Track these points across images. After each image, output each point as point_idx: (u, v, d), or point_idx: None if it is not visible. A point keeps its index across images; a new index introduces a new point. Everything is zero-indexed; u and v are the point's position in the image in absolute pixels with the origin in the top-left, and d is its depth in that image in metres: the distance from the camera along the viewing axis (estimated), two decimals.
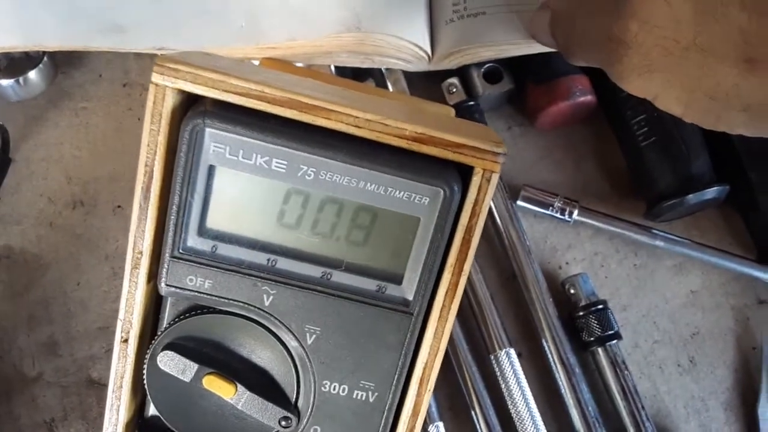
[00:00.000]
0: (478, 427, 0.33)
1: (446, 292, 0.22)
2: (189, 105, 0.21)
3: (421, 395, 0.23)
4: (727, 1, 0.21)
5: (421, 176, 0.21)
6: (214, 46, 0.34)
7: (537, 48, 0.34)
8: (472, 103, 0.37)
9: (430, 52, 0.36)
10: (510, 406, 0.33)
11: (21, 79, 0.36)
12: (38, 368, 0.33)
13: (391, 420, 0.24)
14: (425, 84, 0.38)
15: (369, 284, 0.22)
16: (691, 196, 0.34)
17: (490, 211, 0.36)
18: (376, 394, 0.23)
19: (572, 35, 0.29)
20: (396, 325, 0.22)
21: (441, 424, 0.32)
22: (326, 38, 0.34)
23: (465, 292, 0.35)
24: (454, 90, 0.38)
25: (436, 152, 0.21)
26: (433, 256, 0.22)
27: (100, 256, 0.35)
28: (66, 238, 0.35)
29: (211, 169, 0.21)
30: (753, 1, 0.20)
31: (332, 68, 0.38)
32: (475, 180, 0.21)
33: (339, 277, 0.22)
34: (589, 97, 0.36)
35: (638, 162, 0.36)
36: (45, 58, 0.37)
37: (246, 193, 0.22)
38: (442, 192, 0.21)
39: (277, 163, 0.21)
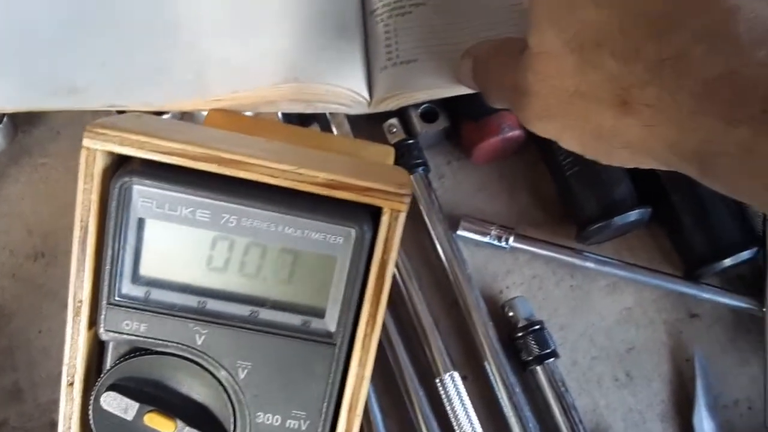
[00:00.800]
0: None
1: (366, 322, 0.24)
2: (119, 164, 0.23)
3: (351, 421, 0.25)
4: (602, 51, 0.23)
5: (334, 219, 0.23)
6: (163, 101, 0.37)
7: (465, 90, 0.37)
8: (411, 141, 0.40)
9: (368, 97, 0.38)
10: (456, 428, 0.34)
11: None
12: (3, 414, 0.35)
13: None
14: (367, 125, 0.41)
15: (294, 319, 0.24)
16: (614, 219, 0.36)
17: (432, 241, 0.39)
18: (308, 422, 0.25)
19: (488, 82, 0.32)
20: (321, 356, 0.24)
21: None
22: (267, 89, 0.36)
23: (410, 319, 0.37)
24: (395, 130, 0.40)
25: (347, 196, 0.23)
26: (351, 290, 0.24)
27: (60, 304, 0.37)
28: (28, 289, 0.37)
29: (140, 222, 0.23)
30: (621, 50, 0.23)
31: (279, 115, 0.40)
32: (384, 219, 0.23)
33: (266, 314, 0.24)
34: (517, 132, 0.38)
35: (566, 190, 0.38)
36: (5, 118, 0.39)
37: (175, 241, 0.23)
38: (353, 232, 0.23)
39: (201, 213, 0.23)
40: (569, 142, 0.27)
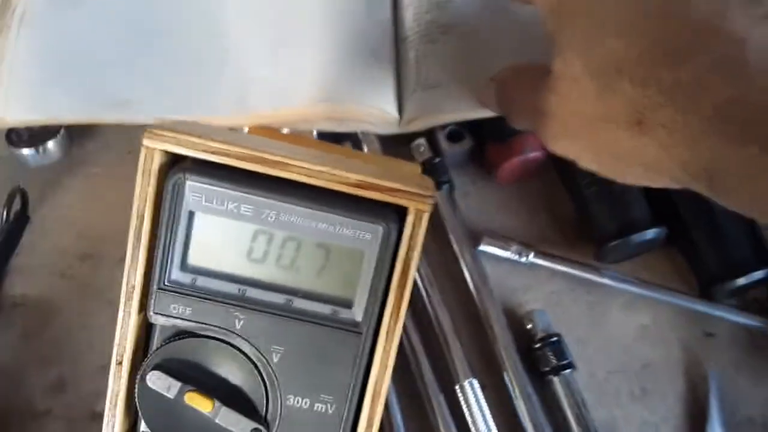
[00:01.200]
0: None
1: (391, 314, 0.26)
2: (173, 162, 0.26)
3: (374, 407, 0.27)
4: (621, 77, 0.25)
5: (364, 216, 0.25)
6: (208, 116, 0.40)
7: (487, 113, 0.39)
8: (437, 160, 0.42)
9: (398, 117, 0.41)
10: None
11: (41, 149, 0.41)
12: (48, 404, 0.37)
13: (349, 430, 0.27)
14: (396, 145, 0.43)
15: (325, 309, 0.26)
16: (631, 237, 0.38)
17: (455, 256, 0.40)
18: (334, 406, 0.27)
19: (511, 105, 0.35)
20: (348, 344, 0.26)
21: None
22: (303, 108, 0.39)
23: (433, 327, 0.38)
24: (422, 149, 0.43)
25: (376, 196, 0.25)
26: (378, 283, 0.26)
27: (104, 302, 0.39)
28: (75, 287, 0.40)
29: (190, 215, 0.26)
30: (639, 76, 0.25)
31: (314, 133, 0.43)
32: (409, 219, 0.25)
33: (299, 303, 0.26)
34: (539, 153, 0.40)
35: (584, 209, 0.40)
36: (62, 131, 0.42)
37: (220, 233, 0.26)
38: (381, 229, 0.25)
39: (245, 207, 0.25)
40: (587, 160, 0.30)
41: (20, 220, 0.39)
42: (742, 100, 0.23)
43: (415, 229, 0.26)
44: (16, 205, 0.39)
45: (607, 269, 0.40)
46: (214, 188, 0.25)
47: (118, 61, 0.41)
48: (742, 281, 0.37)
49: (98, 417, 0.36)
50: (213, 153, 0.25)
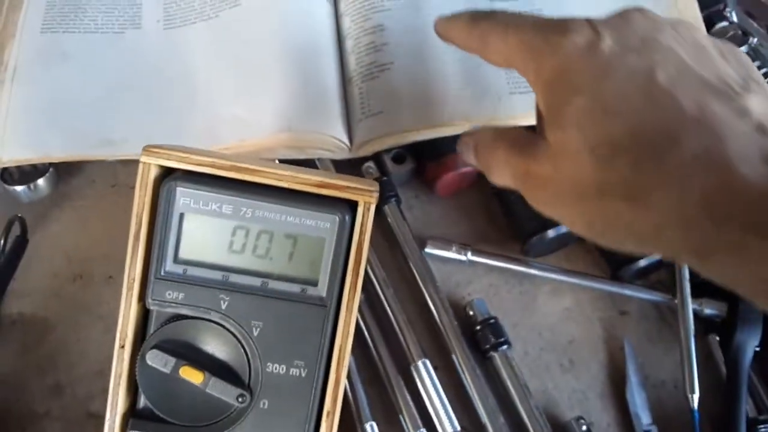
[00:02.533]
0: (405, 427, 0.41)
1: (349, 289, 0.32)
2: (166, 174, 0.32)
3: (339, 369, 0.32)
4: (619, 158, 0.27)
5: (323, 209, 0.31)
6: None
7: (425, 136, 0.46)
8: (385, 179, 0.48)
9: (349, 143, 0.48)
10: (429, 406, 0.41)
11: (32, 185, 0.46)
12: (46, 406, 0.41)
13: (319, 389, 0.32)
14: (349, 169, 0.50)
15: (295, 288, 0.32)
16: (548, 232, 0.45)
17: (405, 258, 0.47)
18: (306, 370, 0.32)
19: (494, 164, 0.34)
20: (316, 316, 0.32)
21: (374, 424, 0.41)
22: (267, 139, 0.46)
23: (389, 319, 0.44)
24: (371, 171, 0.49)
25: (332, 193, 0.32)
26: (337, 264, 0.32)
27: (95, 317, 0.44)
28: (68, 305, 0.44)
29: (181, 216, 0.31)
30: (635, 160, 0.27)
31: (276, 161, 0.49)
32: (360, 209, 0.32)
33: (273, 284, 0.32)
34: (470, 168, 0.47)
35: (511, 212, 0.47)
36: (51, 169, 0.47)
37: (206, 230, 0.32)
38: (337, 218, 0.31)
39: (226, 207, 0.31)
40: (580, 227, 0.30)
41: (20, 245, 0.43)
42: (726, 186, 0.24)
43: (365, 218, 0.32)
44: (14, 232, 0.43)
45: (534, 261, 0.46)
46: (200, 192, 0.31)
47: (102, 106, 0.47)
48: (643, 263, 0.44)
49: (93, 417, 0.41)
50: (198, 165, 0.31)
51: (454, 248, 0.47)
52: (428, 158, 0.49)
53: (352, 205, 0.32)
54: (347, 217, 0.32)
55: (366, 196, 0.32)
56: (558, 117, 0.29)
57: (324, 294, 0.32)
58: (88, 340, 0.44)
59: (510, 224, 0.48)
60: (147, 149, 0.31)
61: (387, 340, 0.44)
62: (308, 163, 0.49)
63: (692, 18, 0.49)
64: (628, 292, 0.46)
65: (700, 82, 0.27)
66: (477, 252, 0.47)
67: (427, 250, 0.47)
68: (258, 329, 0.32)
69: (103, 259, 0.46)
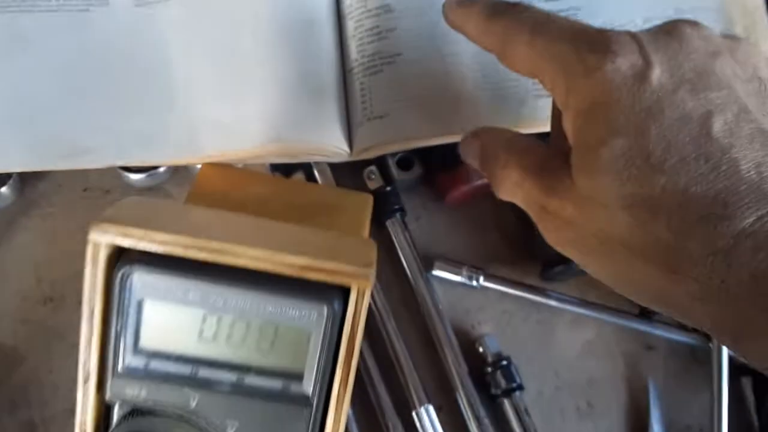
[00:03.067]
0: None
1: (339, 385, 0.28)
2: (122, 251, 0.27)
3: None
4: (658, 220, 0.23)
5: (309, 298, 0.26)
6: (160, 160, 0.40)
7: (435, 142, 0.40)
8: (388, 189, 0.43)
9: (348, 149, 0.41)
10: None
11: None
12: None
13: None
14: (349, 171, 0.44)
15: (275, 384, 0.28)
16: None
17: (408, 281, 0.42)
18: None
19: (502, 181, 0.30)
20: (300, 416, 0.28)
21: None
22: (253, 149, 0.40)
23: (388, 353, 0.40)
24: (373, 177, 0.44)
25: (319, 277, 0.26)
26: (325, 358, 0.27)
27: (68, 345, 0.40)
28: (39, 331, 0.41)
29: (140, 303, 0.26)
30: (677, 226, 0.23)
31: (267, 164, 0.43)
32: (352, 297, 0.27)
33: (250, 379, 0.28)
34: (485, 181, 0.41)
35: (529, 230, 0.41)
36: (14, 175, 0.42)
37: (170, 318, 0.27)
38: (325, 309, 0.26)
39: (192, 294, 0.26)
40: (602, 278, 0.27)
41: None
42: None
43: (358, 305, 0.27)
44: None
45: (554, 291, 0.42)
46: (161, 277, 0.26)
47: (66, 105, 0.40)
48: None
49: None
50: (159, 243, 0.26)
51: (464, 272, 0.42)
52: (439, 166, 0.43)
53: (344, 287, 0.27)
54: (337, 305, 0.27)
55: (361, 281, 0.27)
56: (590, 158, 0.25)
57: (310, 391, 0.28)
58: (61, 371, 0.40)
59: (528, 243, 0.43)
60: (97, 224, 0.26)
61: (386, 378, 0.40)
62: (303, 166, 0.44)
63: (762, 33, 0.41)
64: (657, 331, 0.41)
65: (761, 135, 0.24)
66: (490, 277, 0.42)
67: (435, 272, 0.42)
68: (234, 428, 0.28)
69: (76, 277, 0.41)
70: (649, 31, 0.27)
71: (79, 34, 0.43)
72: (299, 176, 0.44)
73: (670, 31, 0.26)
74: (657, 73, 0.25)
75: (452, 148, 0.41)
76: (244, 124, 0.40)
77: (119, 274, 0.26)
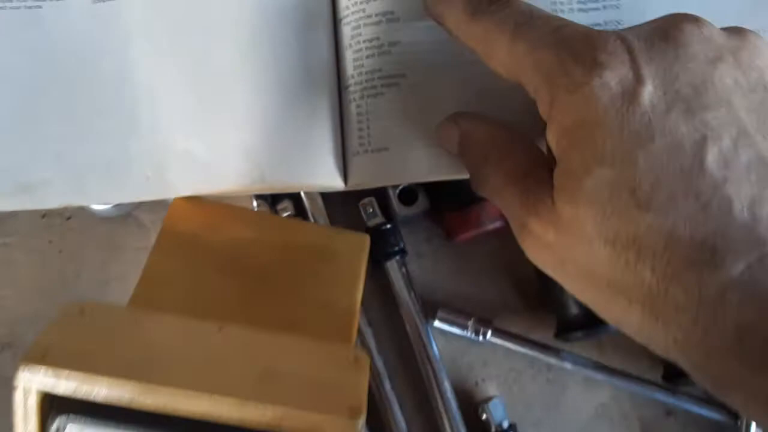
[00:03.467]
0: None
1: None
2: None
3: None
4: (644, 262, 0.22)
5: None
6: (122, 198, 0.35)
7: (444, 177, 0.34)
8: (388, 227, 0.38)
9: (342, 182, 0.36)
10: None
11: None
12: None
13: None
14: (342, 199, 0.39)
15: None
16: (597, 329, 0.35)
17: (405, 331, 0.38)
18: None
19: (481, 183, 0.29)
20: None
21: None
22: (231, 189, 0.34)
23: (387, 420, 0.37)
24: (371, 210, 0.38)
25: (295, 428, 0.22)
26: None
27: None
28: None
29: None
30: (663, 271, 0.21)
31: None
32: None
33: None
34: (498, 224, 0.36)
35: (547, 285, 0.37)
36: None
37: None
38: None
39: None
40: (580, 298, 0.25)
41: None
42: (764, 324, 0.20)
43: None
44: None
45: (568, 352, 0.37)
46: (101, 429, 0.22)
47: (14, 128, 0.35)
48: None
49: None
50: (100, 390, 0.21)
51: (470, 325, 0.37)
52: (447, 203, 0.37)
53: None
54: None
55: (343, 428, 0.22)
56: (572, 186, 0.23)
57: None
58: None
59: (543, 291, 0.38)
60: (26, 365, 0.21)
61: None
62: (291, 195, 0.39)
63: None
64: (682, 405, 0.37)
65: (759, 164, 0.22)
66: (498, 332, 0.37)
67: (437, 324, 0.38)
68: None
69: (36, 318, 0.37)
70: (643, 29, 0.24)
71: (27, 36, 0.36)
72: (286, 204, 0.39)
73: (668, 32, 0.23)
74: (649, 91, 0.22)
75: (463, 185, 0.36)
76: (220, 159, 0.34)
77: (53, 426, 0.22)
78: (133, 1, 0.36)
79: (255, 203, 0.38)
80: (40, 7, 0.36)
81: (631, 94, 0.22)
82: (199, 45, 0.35)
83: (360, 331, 0.37)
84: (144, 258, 0.33)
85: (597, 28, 0.33)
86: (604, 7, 0.34)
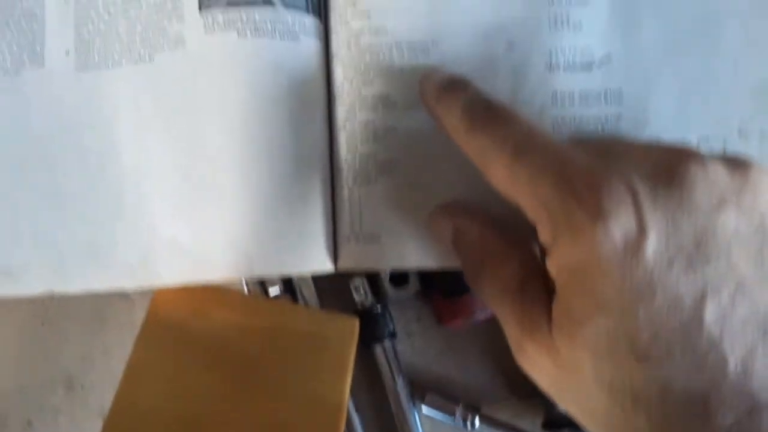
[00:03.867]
0: None
1: None
2: None
3: None
4: (637, 409, 0.22)
5: None
6: (106, 286, 0.34)
7: (436, 267, 0.34)
8: (378, 310, 0.37)
9: (332, 266, 0.35)
10: None
11: None
12: None
13: None
14: (333, 277, 0.38)
15: None
16: None
17: (392, 415, 0.37)
18: None
19: (476, 285, 0.28)
20: None
21: None
22: (220, 277, 0.33)
23: None
24: (361, 290, 0.38)
25: None
26: None
27: None
28: None
29: None
30: (657, 419, 0.22)
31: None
32: None
33: None
34: (489, 313, 0.36)
35: None
36: None
37: None
38: None
39: None
40: (575, 418, 0.25)
41: None
42: None
43: None
44: None
45: None
46: None
47: None
48: None
49: None
50: None
51: (457, 413, 0.37)
52: (438, 289, 0.37)
53: None
54: None
55: None
56: (572, 328, 0.23)
57: None
58: None
59: (532, 384, 0.37)
60: None
61: None
62: None
63: None
64: None
65: (755, 318, 0.22)
66: (486, 419, 0.37)
67: (425, 411, 0.37)
68: None
69: (18, 395, 0.37)
70: (647, 166, 0.24)
71: (3, 104, 0.35)
72: (276, 282, 0.38)
73: (673, 176, 0.23)
74: (652, 244, 0.22)
75: (455, 272, 0.35)
76: (207, 248, 0.33)
77: None
78: (119, 72, 0.35)
79: (244, 280, 0.37)
80: (18, 73, 0.35)
81: (634, 246, 0.22)
82: (188, 126, 0.34)
83: (348, 417, 0.36)
84: (128, 332, 0.32)
85: (597, 123, 0.34)
86: (606, 101, 0.33)
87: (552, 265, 0.24)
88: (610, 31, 0.33)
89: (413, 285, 0.37)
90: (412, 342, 0.39)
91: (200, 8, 0.33)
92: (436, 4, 0.33)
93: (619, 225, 0.22)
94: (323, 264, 0.34)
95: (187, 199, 0.33)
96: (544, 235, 0.24)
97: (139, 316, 0.39)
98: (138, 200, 0.34)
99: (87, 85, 0.35)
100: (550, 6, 0.33)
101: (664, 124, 0.33)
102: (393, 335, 0.37)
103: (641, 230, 0.22)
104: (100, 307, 0.38)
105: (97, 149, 0.34)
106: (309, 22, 0.34)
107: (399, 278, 0.37)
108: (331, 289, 0.38)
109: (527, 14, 0.33)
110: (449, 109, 0.29)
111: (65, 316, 0.38)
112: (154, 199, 0.33)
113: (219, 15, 0.33)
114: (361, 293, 0.37)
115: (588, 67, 0.33)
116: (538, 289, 0.25)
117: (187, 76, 0.34)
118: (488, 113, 0.27)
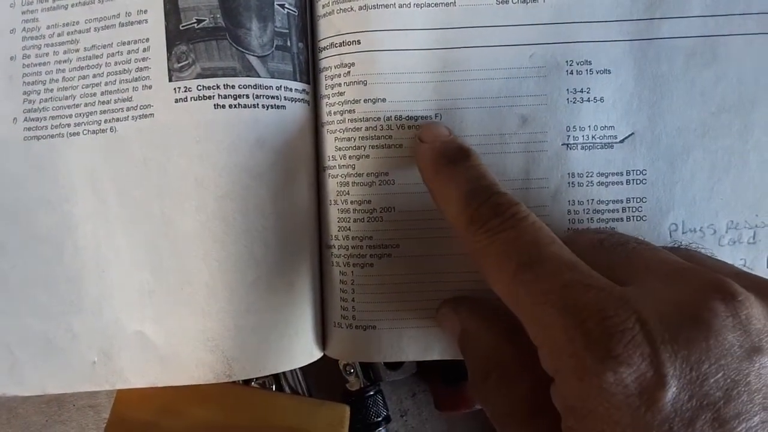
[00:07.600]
0: None
1: None
2: None
3: None
4: None
5: None
6: (63, 388, 0.30)
7: (438, 358, 0.31)
8: (371, 394, 0.34)
9: (320, 353, 0.32)
10: None
11: None
12: None
13: None
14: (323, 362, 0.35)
15: None
16: None
17: None
18: None
19: (480, 397, 0.26)
20: None
21: None
22: (191, 381, 0.30)
23: None
24: (352, 371, 0.34)
25: None
26: None
27: None
28: None
29: None
30: None
31: None
32: None
33: None
34: None
35: None
36: None
37: None
38: None
39: None
40: None
41: None
42: None
43: None
44: None
45: None
46: None
47: None
48: None
49: None
50: None
51: None
52: (437, 376, 0.34)
53: None
54: None
55: None
56: (589, 410, 0.20)
57: None
58: None
59: None
60: None
61: None
62: None
63: None
64: None
65: None
66: None
67: None
68: None
69: None
70: (668, 306, 0.20)
71: None
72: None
73: (697, 314, 0.20)
74: (671, 395, 0.19)
75: (456, 364, 0.32)
76: (179, 347, 0.29)
77: None
78: (76, 142, 0.30)
79: None
80: None
81: (650, 396, 0.19)
82: (156, 209, 0.30)
83: None
84: (89, 417, 0.29)
85: (617, 206, 0.30)
86: (628, 181, 0.30)
87: (556, 398, 0.22)
88: (635, 106, 0.30)
89: (409, 366, 0.34)
90: (406, 421, 0.36)
91: (170, 79, 0.28)
92: (442, 73, 0.29)
93: (633, 372, 0.19)
94: (310, 354, 0.31)
95: (155, 290, 0.29)
96: (545, 363, 0.22)
97: (103, 402, 0.35)
98: (100, 291, 0.30)
99: (38, 156, 0.30)
100: (568, 76, 0.29)
101: (690, 208, 0.30)
102: (387, 420, 0.34)
103: (659, 379, 0.19)
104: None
105: (52, 229, 0.30)
106: (296, 87, 0.30)
107: (395, 362, 0.34)
108: (319, 368, 0.34)
109: (543, 85, 0.29)
110: (448, 202, 0.26)
111: (22, 401, 0.34)
112: (117, 289, 0.30)
113: (192, 84, 0.28)
114: (352, 375, 0.34)
115: (609, 145, 0.30)
116: (550, 426, 0.22)
117: (154, 149, 0.29)
118: (493, 209, 0.24)
